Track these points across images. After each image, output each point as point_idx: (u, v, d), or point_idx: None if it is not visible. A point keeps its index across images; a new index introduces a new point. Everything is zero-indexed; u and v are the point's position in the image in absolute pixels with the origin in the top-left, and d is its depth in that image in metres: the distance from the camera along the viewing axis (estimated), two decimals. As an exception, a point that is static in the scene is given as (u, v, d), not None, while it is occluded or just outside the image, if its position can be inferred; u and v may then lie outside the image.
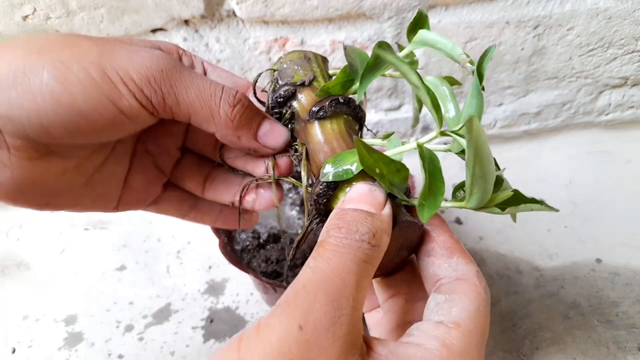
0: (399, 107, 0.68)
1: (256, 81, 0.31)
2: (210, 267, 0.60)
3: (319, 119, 0.28)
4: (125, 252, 0.63)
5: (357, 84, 0.29)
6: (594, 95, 0.70)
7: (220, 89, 0.27)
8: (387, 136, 0.30)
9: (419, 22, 0.29)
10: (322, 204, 0.27)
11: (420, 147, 0.25)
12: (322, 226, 0.25)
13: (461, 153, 0.26)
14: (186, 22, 0.56)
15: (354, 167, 0.26)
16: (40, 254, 0.63)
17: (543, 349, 0.49)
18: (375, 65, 0.27)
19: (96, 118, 0.24)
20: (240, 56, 0.60)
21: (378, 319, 0.31)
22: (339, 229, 0.23)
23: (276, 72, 0.31)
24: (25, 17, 0.53)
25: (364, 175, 0.26)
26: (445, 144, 0.28)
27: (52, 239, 0.65)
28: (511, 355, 0.49)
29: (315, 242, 0.24)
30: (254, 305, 0.55)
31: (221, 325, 0.53)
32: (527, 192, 0.25)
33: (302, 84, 0.29)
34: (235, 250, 0.49)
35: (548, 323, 0.52)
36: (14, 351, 0.52)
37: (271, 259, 0.48)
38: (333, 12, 0.56)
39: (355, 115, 0.30)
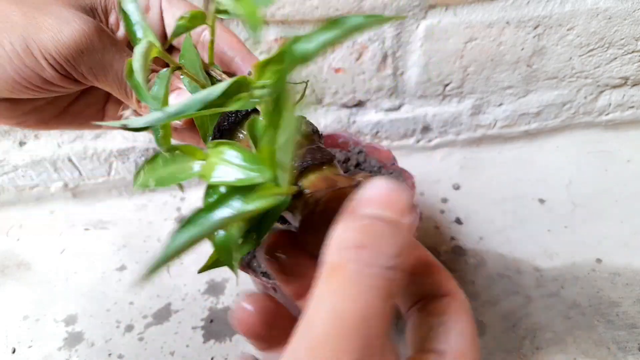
0: (399, 107, 0.68)
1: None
2: (210, 267, 0.60)
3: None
4: (125, 252, 0.63)
5: None
6: (594, 95, 0.70)
7: None
8: None
9: None
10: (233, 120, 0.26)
11: None
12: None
13: None
14: (186, 22, 0.56)
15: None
16: (40, 254, 0.63)
17: (543, 349, 0.49)
18: None
19: (26, 85, 0.28)
20: (240, 56, 0.60)
21: None
22: (362, 250, 0.17)
23: None
24: None
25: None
26: None
27: (52, 239, 0.65)
28: (511, 356, 0.49)
29: None
30: (254, 306, 0.55)
31: (221, 325, 0.53)
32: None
33: None
34: (235, 251, 0.49)
35: (548, 323, 0.52)
36: (14, 351, 0.52)
37: (271, 259, 0.48)
38: (333, 12, 0.56)
39: None
